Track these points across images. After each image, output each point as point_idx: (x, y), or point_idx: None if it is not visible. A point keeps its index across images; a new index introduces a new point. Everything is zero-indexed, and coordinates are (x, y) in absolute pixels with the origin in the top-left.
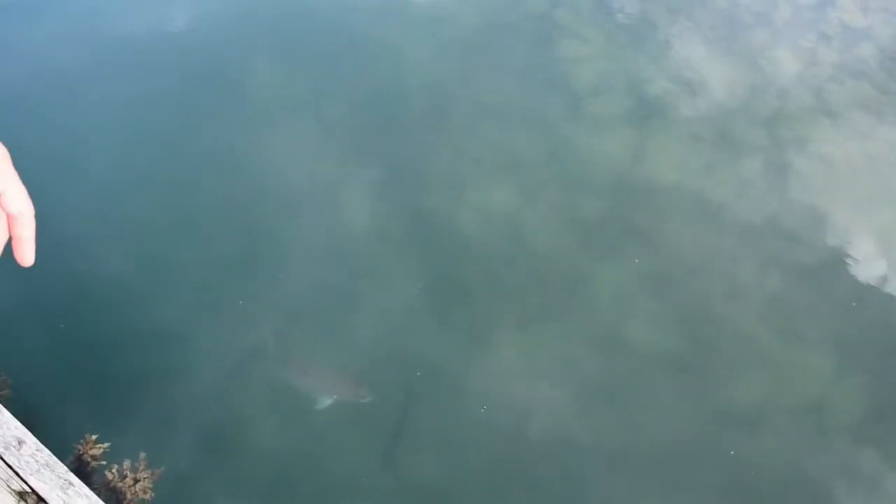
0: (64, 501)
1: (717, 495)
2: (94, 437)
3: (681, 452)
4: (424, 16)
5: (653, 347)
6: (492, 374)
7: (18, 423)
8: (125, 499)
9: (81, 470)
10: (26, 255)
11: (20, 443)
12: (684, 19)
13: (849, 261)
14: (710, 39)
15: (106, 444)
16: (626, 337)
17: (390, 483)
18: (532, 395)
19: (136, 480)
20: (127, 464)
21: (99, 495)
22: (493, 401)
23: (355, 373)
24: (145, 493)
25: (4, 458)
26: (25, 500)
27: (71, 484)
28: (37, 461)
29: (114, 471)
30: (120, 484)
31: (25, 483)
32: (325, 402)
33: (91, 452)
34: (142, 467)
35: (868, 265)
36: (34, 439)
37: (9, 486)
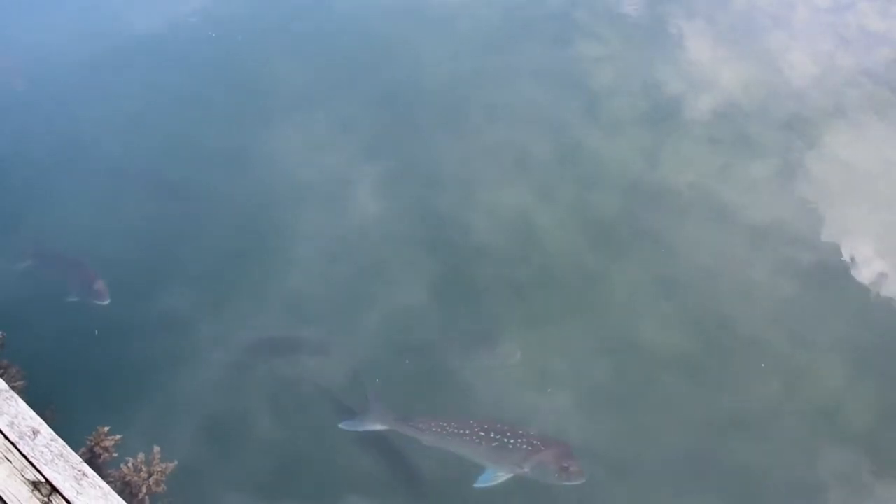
0: (77, 492)
1: (727, 501)
2: (106, 428)
3: (691, 456)
4: (442, 13)
5: (664, 350)
6: (500, 375)
7: (34, 413)
8: (139, 492)
9: (93, 461)
10: None
11: (35, 433)
12: (702, 21)
13: (863, 265)
14: (728, 41)
15: (118, 436)
16: (637, 339)
17: (391, 476)
18: (540, 396)
19: (150, 474)
20: (141, 457)
21: (113, 487)
22: (502, 400)
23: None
24: (158, 486)
25: (19, 447)
26: (39, 490)
27: (84, 475)
28: (51, 451)
29: (129, 465)
30: (135, 478)
31: (40, 473)
32: None
33: (103, 444)
34: (155, 461)
35: (883, 270)
36: (49, 429)
37: (23, 476)
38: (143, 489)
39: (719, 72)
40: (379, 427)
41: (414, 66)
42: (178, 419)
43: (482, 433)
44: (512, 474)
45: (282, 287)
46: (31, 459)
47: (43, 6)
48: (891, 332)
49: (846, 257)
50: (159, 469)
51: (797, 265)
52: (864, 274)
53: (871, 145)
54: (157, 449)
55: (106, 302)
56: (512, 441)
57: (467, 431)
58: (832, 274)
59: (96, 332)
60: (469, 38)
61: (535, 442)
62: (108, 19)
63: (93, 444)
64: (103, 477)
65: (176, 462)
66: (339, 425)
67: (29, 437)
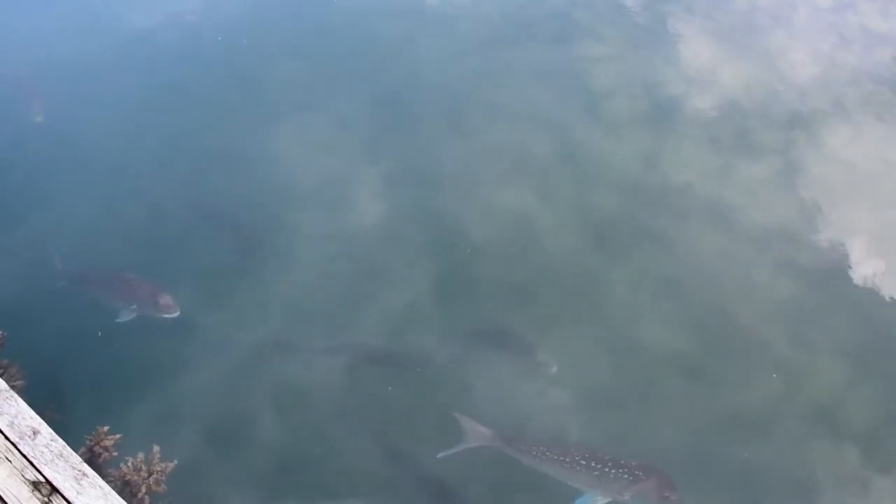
0: (77, 492)
1: (728, 500)
2: (105, 428)
3: (691, 455)
4: (442, 13)
5: (664, 350)
6: (499, 374)
7: (33, 413)
8: (139, 491)
9: (93, 461)
10: None
11: (35, 433)
12: (703, 21)
13: (863, 266)
14: (729, 41)
15: (118, 436)
16: (637, 339)
17: (391, 475)
18: (541, 395)
19: (150, 473)
20: (141, 456)
21: (113, 487)
22: (503, 398)
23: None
24: (158, 485)
25: (19, 447)
26: (39, 490)
27: (85, 475)
28: (51, 451)
29: (129, 464)
30: (135, 477)
31: (40, 473)
32: None
33: (103, 444)
34: (155, 460)
35: (883, 269)
36: (49, 429)
37: (23, 476)
38: (143, 489)
39: (720, 71)
40: (477, 444)
41: (414, 66)
42: (178, 419)
43: (583, 461)
44: (610, 499)
45: (283, 286)
46: (32, 459)
47: (44, 5)
48: (891, 332)
49: (847, 257)
50: (159, 468)
51: (797, 265)
52: (865, 273)
53: (871, 145)
54: (156, 448)
55: (175, 314)
56: (614, 471)
57: (568, 459)
58: (832, 273)
59: (99, 334)
60: (469, 38)
61: (636, 472)
62: (109, 18)
63: (92, 443)
64: (103, 476)
65: (176, 461)
66: (438, 456)
67: (29, 437)
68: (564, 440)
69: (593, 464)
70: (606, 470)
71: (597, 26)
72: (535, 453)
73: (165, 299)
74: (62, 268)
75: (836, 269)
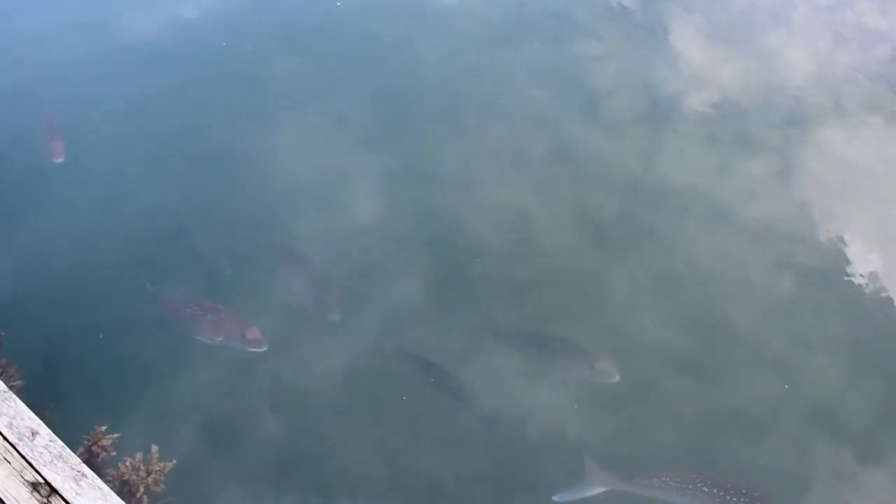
0: (76, 493)
1: None
2: (103, 428)
3: (690, 455)
4: (440, 11)
5: (663, 349)
6: (498, 374)
7: (32, 414)
8: (138, 491)
9: (91, 461)
10: None
11: (34, 434)
12: (701, 19)
13: (862, 264)
14: (727, 39)
15: (116, 435)
16: (635, 338)
17: (389, 474)
18: (539, 395)
19: (149, 473)
20: (139, 456)
21: (112, 487)
22: (503, 398)
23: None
24: (157, 485)
25: (18, 448)
26: (38, 491)
27: (84, 476)
28: (50, 452)
29: (127, 463)
30: (134, 476)
31: (38, 474)
32: None
33: (101, 443)
34: (154, 460)
35: (882, 269)
36: (47, 430)
37: (22, 477)
38: (142, 488)
39: (718, 70)
40: (600, 490)
41: (414, 64)
42: (177, 419)
43: (705, 488)
44: None
45: (284, 285)
46: (31, 460)
47: (44, 4)
48: (890, 331)
49: (845, 255)
50: (158, 468)
51: (796, 264)
52: (863, 272)
53: (869, 143)
54: (155, 448)
55: (264, 349)
56: (735, 498)
57: (689, 486)
58: (832, 273)
59: (101, 336)
60: (468, 36)
61: (755, 496)
62: (108, 16)
63: (90, 443)
64: (101, 476)
65: (174, 461)
66: (554, 498)
67: (28, 437)
68: (680, 466)
69: (716, 491)
70: (729, 497)
71: (595, 25)
72: (657, 484)
73: (254, 333)
74: (151, 290)
75: (834, 268)
